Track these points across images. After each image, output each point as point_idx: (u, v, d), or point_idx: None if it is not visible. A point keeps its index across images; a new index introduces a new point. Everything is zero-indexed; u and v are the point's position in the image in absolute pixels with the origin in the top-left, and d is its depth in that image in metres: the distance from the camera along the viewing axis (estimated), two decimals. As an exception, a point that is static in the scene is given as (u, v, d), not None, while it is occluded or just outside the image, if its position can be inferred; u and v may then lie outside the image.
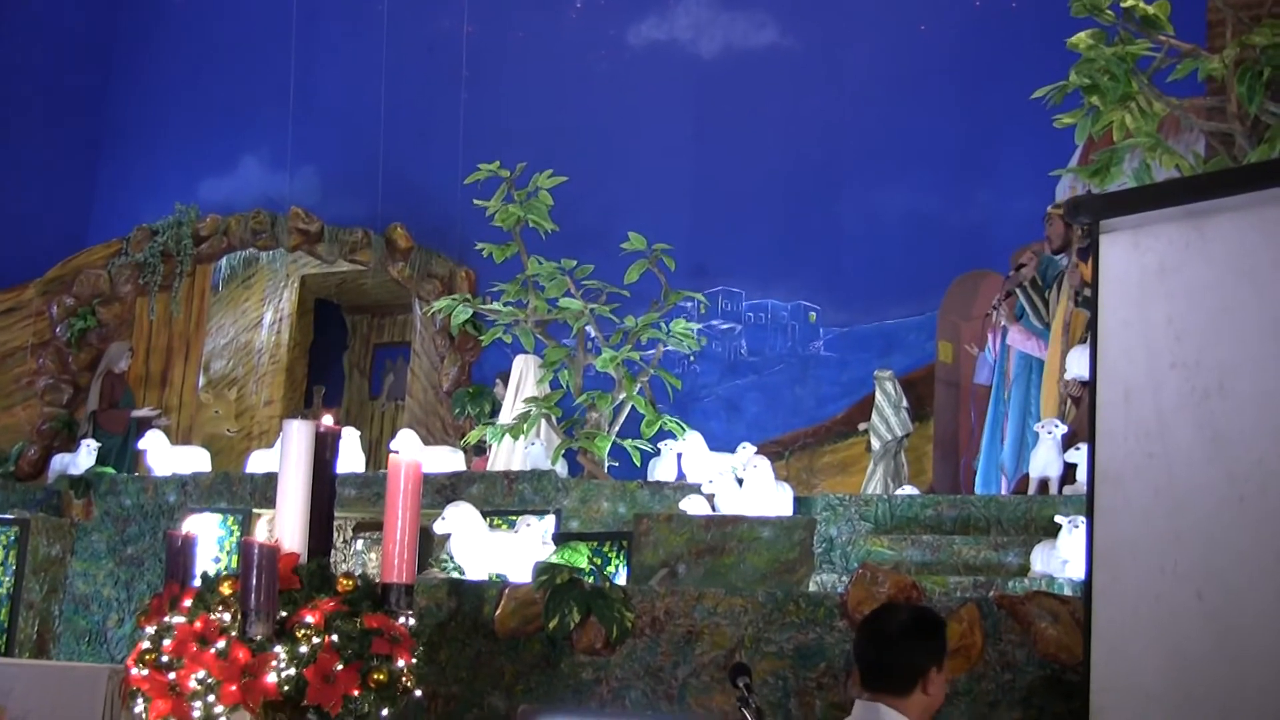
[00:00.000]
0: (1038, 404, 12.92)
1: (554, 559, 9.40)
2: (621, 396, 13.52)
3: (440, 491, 11.85)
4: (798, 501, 11.32)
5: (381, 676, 6.25)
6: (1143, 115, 10.64)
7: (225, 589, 6.39)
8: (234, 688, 6.08)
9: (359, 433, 14.17)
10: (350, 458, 12.99)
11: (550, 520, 11.40)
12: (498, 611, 7.90)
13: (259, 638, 6.17)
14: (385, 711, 6.31)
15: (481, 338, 15.24)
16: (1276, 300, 5.02)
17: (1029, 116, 12.22)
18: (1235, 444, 5.04)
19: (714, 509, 11.06)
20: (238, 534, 12.30)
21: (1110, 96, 10.63)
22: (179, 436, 17.76)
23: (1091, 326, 5.61)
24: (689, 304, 14.63)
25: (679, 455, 12.91)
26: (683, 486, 11.84)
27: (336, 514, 7.35)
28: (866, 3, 16.68)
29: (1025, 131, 14.01)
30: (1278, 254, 5.04)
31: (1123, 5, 10.66)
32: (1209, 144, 11.30)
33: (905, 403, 14.49)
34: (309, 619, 6.23)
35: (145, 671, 6.33)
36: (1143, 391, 5.32)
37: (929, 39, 16.27)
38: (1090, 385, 5.59)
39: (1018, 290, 13.15)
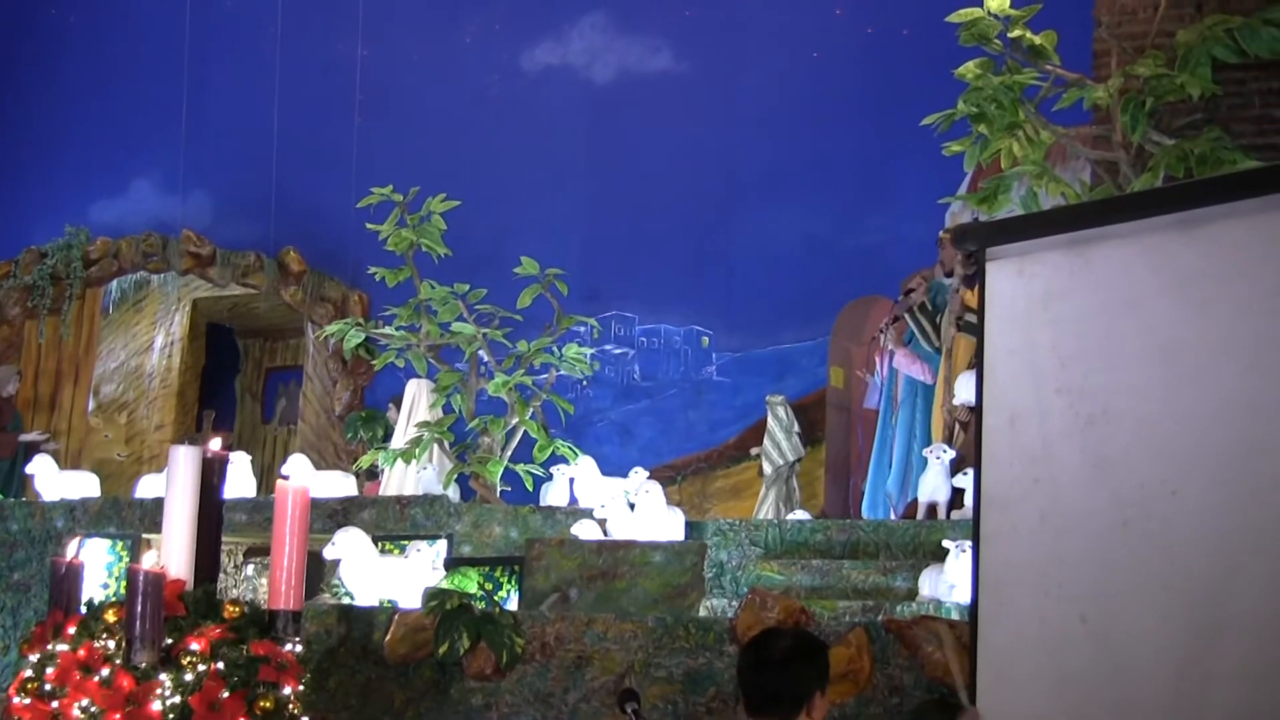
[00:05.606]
0: (924, 428, 13.02)
1: (444, 584, 9.38)
2: (514, 421, 13.48)
3: (332, 516, 11.75)
4: (689, 526, 11.33)
5: (268, 704, 6.20)
6: (1030, 143, 10.75)
7: (110, 616, 6.32)
8: (118, 716, 6.02)
9: (250, 457, 14.03)
10: (241, 482, 12.89)
11: (442, 545, 11.34)
12: (387, 637, 7.86)
13: (144, 665, 6.11)
14: (273, 739, 6.27)
15: (374, 362, 15.18)
16: (1158, 326, 5.09)
17: (921, 143, 12.29)
18: (1119, 468, 5.11)
19: (606, 534, 11.05)
20: (127, 560, 12.15)
21: (998, 125, 10.73)
22: (68, 461, 17.56)
23: (979, 353, 5.66)
24: (582, 329, 14.61)
25: (571, 480, 12.89)
26: (575, 511, 11.82)
27: (227, 539, 7.31)
28: (761, 30, 16.76)
29: (918, 158, 14.05)
30: (1160, 281, 5.11)
31: (1010, 35, 10.76)
32: (1094, 172, 11.43)
33: (797, 427, 14.57)
34: (194, 646, 6.18)
35: (28, 700, 6.26)
36: (1028, 417, 5.38)
37: (823, 66, 16.37)
38: (977, 411, 5.65)
39: (907, 315, 13.24)
